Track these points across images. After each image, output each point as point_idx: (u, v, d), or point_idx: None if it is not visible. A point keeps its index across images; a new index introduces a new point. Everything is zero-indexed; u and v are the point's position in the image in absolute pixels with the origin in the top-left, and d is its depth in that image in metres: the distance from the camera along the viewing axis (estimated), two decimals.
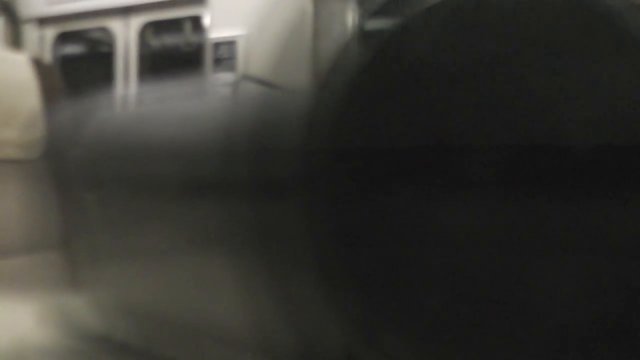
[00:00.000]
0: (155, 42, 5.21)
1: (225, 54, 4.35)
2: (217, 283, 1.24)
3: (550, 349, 0.82)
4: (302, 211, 1.02)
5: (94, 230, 1.50)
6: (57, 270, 1.64)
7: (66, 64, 5.43)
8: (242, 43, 4.26)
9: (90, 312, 1.54)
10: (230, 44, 4.33)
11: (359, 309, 0.96)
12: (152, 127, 1.42)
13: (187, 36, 5.05)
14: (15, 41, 5.27)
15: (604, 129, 0.78)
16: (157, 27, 5.06)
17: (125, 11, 4.99)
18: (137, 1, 4.89)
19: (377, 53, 0.96)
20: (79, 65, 5.55)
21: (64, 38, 5.43)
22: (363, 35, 1.08)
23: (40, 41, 5.35)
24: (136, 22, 4.97)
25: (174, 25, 5.01)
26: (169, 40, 5.25)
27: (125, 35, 5.01)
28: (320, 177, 0.99)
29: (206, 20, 4.56)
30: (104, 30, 5.18)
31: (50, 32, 5.37)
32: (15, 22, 5.29)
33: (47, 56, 5.28)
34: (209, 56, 4.44)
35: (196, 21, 4.75)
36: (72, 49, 5.63)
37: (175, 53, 5.22)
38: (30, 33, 5.34)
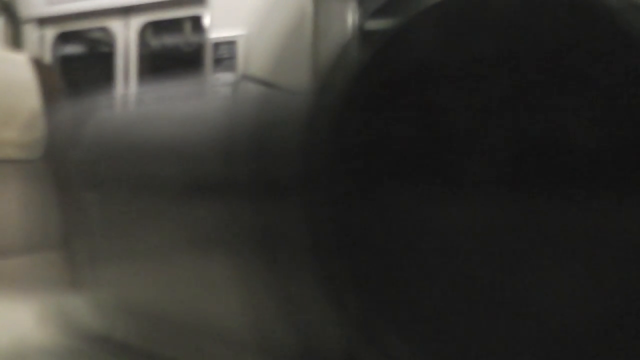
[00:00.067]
0: (155, 42, 5.21)
1: (225, 54, 4.35)
2: (217, 283, 1.24)
3: (550, 349, 0.82)
4: (303, 211, 1.02)
5: (94, 230, 1.50)
6: (57, 270, 1.64)
7: (66, 64, 5.43)
8: (242, 43, 4.25)
9: (90, 312, 1.54)
10: (230, 44, 4.33)
11: (359, 309, 0.96)
12: (152, 127, 1.42)
13: (187, 36, 5.05)
14: (15, 41, 5.27)
15: (604, 128, 0.78)
16: (157, 27, 5.06)
17: (125, 11, 4.99)
18: (137, 1, 4.89)
19: (377, 53, 0.96)
20: (79, 65, 5.55)
21: (64, 38, 5.43)
22: (363, 35, 1.08)
23: (40, 41, 5.35)
24: (136, 22, 4.97)
25: (174, 25, 5.01)
26: (169, 40, 5.25)
27: (125, 35, 5.01)
28: (320, 177, 0.99)
29: (206, 20, 4.56)
30: (104, 30, 5.18)
31: (50, 32, 5.36)
32: (15, 22, 5.29)
33: (47, 56, 5.28)
34: (209, 56, 4.44)
35: (196, 21, 4.75)
36: (72, 49, 5.63)
37: (175, 53, 5.22)
38: (30, 33, 5.34)
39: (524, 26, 0.84)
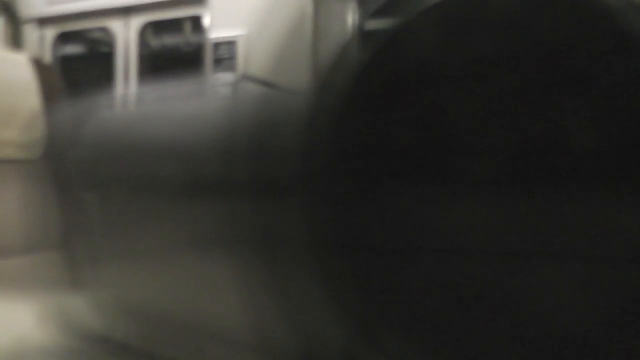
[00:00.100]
0: (155, 42, 5.21)
1: (225, 54, 4.35)
2: (217, 283, 1.24)
3: (551, 349, 0.82)
4: (302, 211, 1.02)
5: (94, 230, 1.50)
6: (57, 270, 1.64)
7: (66, 64, 5.43)
8: (242, 43, 4.25)
9: (90, 312, 1.54)
10: (230, 44, 4.33)
11: (359, 309, 0.96)
12: (152, 127, 1.42)
13: (187, 36, 5.05)
14: (15, 41, 5.27)
15: (604, 128, 0.78)
16: (157, 27, 5.06)
17: (125, 11, 4.99)
18: (137, 1, 4.89)
19: (377, 53, 0.96)
20: (79, 65, 5.55)
21: (64, 38, 5.43)
22: (363, 35, 1.08)
23: (40, 41, 5.35)
24: (136, 22, 4.97)
25: (174, 25, 5.01)
26: (169, 40, 5.25)
27: (125, 35, 5.01)
28: (320, 177, 0.99)
29: (206, 20, 4.56)
30: (104, 30, 5.18)
31: (50, 32, 5.36)
32: (15, 22, 5.29)
33: (47, 56, 5.28)
34: (209, 56, 4.44)
35: (196, 21, 4.75)
36: (72, 49, 5.63)
37: (175, 53, 5.22)
38: (30, 33, 5.34)
39: (524, 26, 0.84)
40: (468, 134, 0.87)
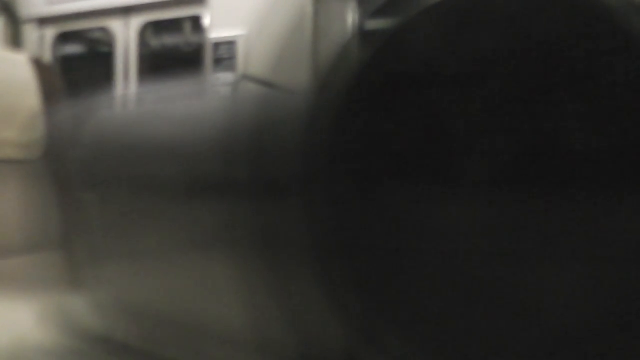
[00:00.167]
0: (155, 42, 5.21)
1: (225, 54, 4.36)
2: (218, 283, 1.24)
3: (551, 349, 0.82)
4: (303, 211, 1.02)
5: (94, 230, 1.50)
6: (57, 270, 1.64)
7: (66, 64, 5.43)
8: (242, 43, 4.26)
9: (90, 312, 1.54)
10: (230, 44, 4.33)
11: (359, 309, 0.96)
12: (152, 127, 1.42)
13: (187, 36, 5.06)
14: (15, 41, 5.27)
15: (604, 128, 0.78)
16: (157, 27, 5.07)
17: (125, 11, 5.00)
18: (137, 1, 4.89)
19: (377, 53, 0.96)
20: (79, 65, 5.55)
21: (64, 38, 5.43)
22: (363, 35, 1.08)
23: (40, 41, 5.35)
24: (136, 22, 4.98)
25: (174, 25, 5.01)
26: (169, 40, 5.25)
27: (125, 35, 5.01)
28: (320, 177, 0.99)
29: (206, 20, 4.56)
30: (104, 30, 5.19)
31: (50, 32, 5.37)
32: (15, 22, 5.29)
33: (47, 56, 5.28)
34: (209, 56, 4.44)
35: (196, 21, 4.75)
36: (72, 49, 5.64)
37: (175, 53, 5.22)
38: (30, 33, 5.34)
39: (524, 26, 0.84)
40: (468, 134, 0.87)
